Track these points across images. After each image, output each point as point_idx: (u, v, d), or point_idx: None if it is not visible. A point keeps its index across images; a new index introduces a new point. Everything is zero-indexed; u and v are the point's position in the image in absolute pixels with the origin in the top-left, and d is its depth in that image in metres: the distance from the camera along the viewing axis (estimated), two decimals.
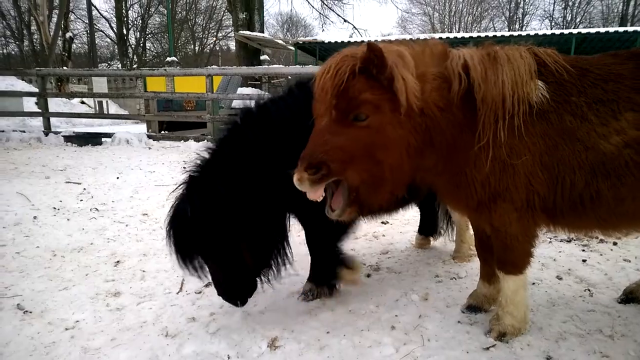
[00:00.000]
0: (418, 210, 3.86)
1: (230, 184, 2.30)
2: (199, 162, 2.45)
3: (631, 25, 29.17)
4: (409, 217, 4.50)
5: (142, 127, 13.32)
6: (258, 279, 2.58)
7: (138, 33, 39.50)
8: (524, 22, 41.83)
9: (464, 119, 2.04)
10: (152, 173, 7.10)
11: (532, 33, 18.27)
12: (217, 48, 45.53)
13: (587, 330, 2.43)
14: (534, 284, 3.02)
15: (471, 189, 2.13)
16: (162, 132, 11.78)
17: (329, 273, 2.81)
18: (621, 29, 17.42)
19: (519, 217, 2.14)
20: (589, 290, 2.90)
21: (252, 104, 2.58)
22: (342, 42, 20.33)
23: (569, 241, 3.87)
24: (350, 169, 1.92)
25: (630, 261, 3.40)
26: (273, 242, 2.55)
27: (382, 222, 4.49)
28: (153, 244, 3.91)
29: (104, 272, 3.31)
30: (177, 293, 2.97)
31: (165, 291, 3.00)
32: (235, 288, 2.49)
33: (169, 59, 17.13)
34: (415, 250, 3.82)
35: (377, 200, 2.10)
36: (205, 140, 10.19)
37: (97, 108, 21.65)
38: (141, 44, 40.05)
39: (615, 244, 3.75)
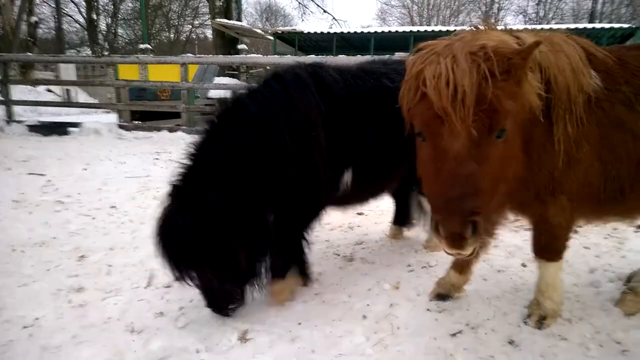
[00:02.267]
0: (393, 201, 3.88)
1: (218, 189, 2.22)
2: (181, 169, 2.36)
3: (599, 22, 29.91)
4: (384, 208, 4.51)
5: (113, 117, 12.95)
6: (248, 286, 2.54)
7: (109, 19, 38.32)
8: (499, 17, 42.33)
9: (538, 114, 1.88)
10: (123, 164, 6.92)
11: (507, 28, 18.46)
12: (194, 36, 44.63)
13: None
14: (499, 271, 3.09)
15: (533, 185, 2.03)
16: (135, 122, 11.47)
17: (301, 265, 2.79)
18: (590, 26, 17.81)
19: (571, 208, 2.12)
20: None
21: (228, 100, 2.48)
22: (322, 32, 20.22)
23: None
24: (495, 202, 1.66)
25: (589, 248, 3.52)
26: (263, 243, 2.50)
27: (358, 213, 4.49)
28: (121, 237, 3.81)
29: (66, 267, 3.20)
30: (145, 287, 2.90)
31: (133, 286, 2.93)
32: (229, 297, 2.45)
33: (142, 46, 16.73)
34: (389, 240, 3.84)
35: (499, 219, 2.10)
36: (180, 131, 10.00)
37: (65, 96, 20.98)
38: (112, 30, 38.88)
39: (575, 232, 3.85)
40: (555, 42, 1.97)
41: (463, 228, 1.49)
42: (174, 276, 2.31)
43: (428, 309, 2.59)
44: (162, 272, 2.75)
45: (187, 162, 2.36)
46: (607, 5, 36.61)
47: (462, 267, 2.62)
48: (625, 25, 17.09)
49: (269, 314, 2.56)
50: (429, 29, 20.34)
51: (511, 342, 2.26)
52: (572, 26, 17.78)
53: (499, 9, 42.07)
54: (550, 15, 40.01)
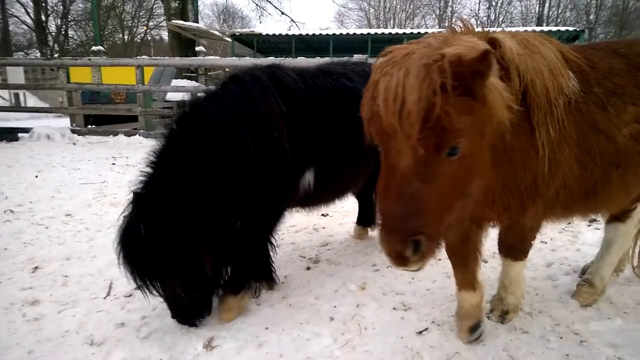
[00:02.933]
0: (356, 201, 3.91)
1: (182, 196, 2.16)
2: (142, 178, 2.28)
3: (546, 25, 31.49)
4: (349, 209, 4.54)
5: (65, 121, 12.42)
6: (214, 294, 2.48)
7: (59, 20, 36.64)
8: (453, 20, 43.59)
9: (516, 119, 1.74)
10: (77, 170, 6.63)
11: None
12: (149, 38, 43.43)
13: None
14: None
15: (518, 192, 1.94)
16: (89, 126, 11.02)
17: (267, 267, 2.76)
18: (538, 29, 18.71)
19: (544, 210, 2.07)
20: None
21: (186, 104, 2.42)
22: (281, 34, 20.16)
23: (493, 226, 4.09)
24: (446, 220, 1.56)
25: (546, 243, 3.67)
26: (229, 250, 2.45)
27: (322, 215, 4.50)
28: (77, 246, 3.64)
29: (20, 280, 3.03)
30: (105, 298, 2.79)
31: (91, 296, 2.81)
32: (196, 307, 2.38)
33: (94, 48, 16.06)
34: (354, 240, 3.86)
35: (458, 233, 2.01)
36: (137, 135, 9.70)
37: (13, 100, 19.90)
38: (63, 32, 37.21)
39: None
40: (532, 44, 1.90)
41: (404, 247, 1.43)
42: (138, 288, 2.23)
43: (394, 308, 2.62)
44: (123, 281, 2.65)
45: (148, 169, 2.30)
46: (553, 9, 38.65)
47: (470, 282, 2.31)
48: (571, 28, 18.04)
49: (235, 320, 2.51)
50: (386, 31, 20.72)
51: (474, 331, 2.31)
52: (522, 29, 18.59)
53: (452, 12, 43.44)
54: (501, 19, 41.66)
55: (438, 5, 43.96)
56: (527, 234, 2.23)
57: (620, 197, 2.27)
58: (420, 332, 2.36)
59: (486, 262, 3.24)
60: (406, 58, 1.50)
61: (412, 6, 44.85)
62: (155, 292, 2.27)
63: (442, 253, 3.34)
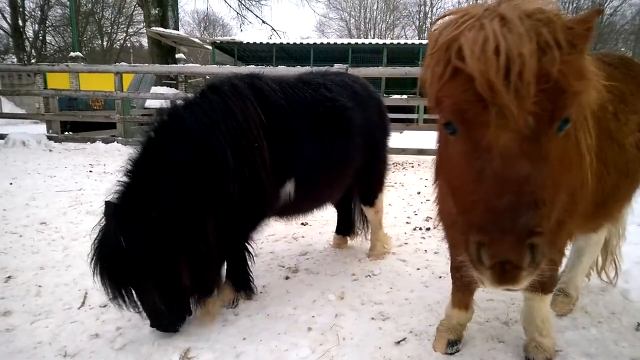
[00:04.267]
0: (336, 211, 3.93)
1: (160, 208, 2.13)
2: (120, 187, 2.25)
3: None
4: (328, 218, 4.56)
5: (42, 128, 12.13)
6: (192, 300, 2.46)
7: (37, 25, 35.93)
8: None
9: None
10: (53, 178, 6.48)
11: None
12: (128, 44, 42.95)
13: (486, 318, 2.62)
14: (441, 277, 3.21)
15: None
16: (65, 133, 10.80)
17: (245, 277, 2.74)
18: None
19: (572, 228, 1.88)
20: None
21: (164, 113, 2.40)
22: (262, 43, 20.23)
23: None
24: (554, 218, 1.28)
25: None
26: (208, 259, 2.42)
27: (302, 224, 4.50)
28: (52, 255, 3.55)
29: None
30: (79, 308, 2.72)
31: (65, 307, 2.73)
32: (174, 315, 2.35)
33: (72, 54, 15.82)
34: (334, 250, 3.87)
35: (562, 242, 1.78)
36: (115, 142, 9.54)
37: None
38: (40, 37, 36.47)
39: None
40: None
41: (521, 253, 1.09)
42: (115, 300, 2.20)
43: (372, 318, 2.63)
44: (98, 291, 2.60)
45: (125, 179, 2.26)
46: None
47: (467, 302, 2.27)
48: None
49: (211, 330, 2.48)
50: (367, 41, 21.00)
51: (453, 345, 2.32)
52: None
53: (432, 24, 44.30)
54: None
55: (418, 16, 44.83)
56: (557, 258, 1.94)
57: (623, 207, 2.29)
58: (398, 342, 2.37)
59: None
60: (490, 11, 1.21)
61: (392, 17, 45.62)
62: (134, 304, 2.23)
63: (415, 260, 3.43)
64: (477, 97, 1.14)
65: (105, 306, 2.71)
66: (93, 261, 2.16)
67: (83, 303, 2.77)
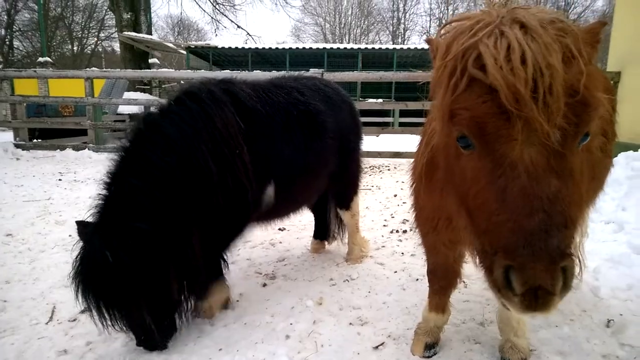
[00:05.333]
0: (313, 215, 3.90)
1: (146, 220, 2.05)
2: (100, 201, 2.16)
3: None
4: (306, 223, 4.53)
5: (9, 135, 11.72)
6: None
7: (3, 30, 34.82)
8: (406, 37, 45.20)
9: None
10: (20, 187, 6.25)
11: (412, 47, 19.82)
12: (100, 49, 42.07)
13: (462, 319, 2.63)
14: (418, 280, 3.21)
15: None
16: (34, 140, 10.46)
17: (204, 286, 2.67)
18: None
19: None
20: (464, 282, 3.15)
21: (140, 122, 2.33)
22: (237, 47, 20.11)
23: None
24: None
25: None
26: (194, 270, 2.36)
27: (279, 229, 4.46)
28: (18, 268, 3.41)
29: None
30: (47, 323, 2.60)
31: (32, 322, 2.62)
32: (164, 331, 2.27)
33: (41, 59, 15.42)
34: (312, 255, 3.84)
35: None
36: (87, 149, 9.29)
37: None
38: (7, 42, 35.37)
39: None
40: None
41: (554, 279, 1.02)
42: (104, 321, 2.10)
43: (351, 323, 2.61)
44: (67, 305, 2.50)
45: (105, 192, 2.18)
46: None
47: (443, 305, 2.29)
48: None
49: (186, 342, 2.41)
50: (342, 46, 21.14)
51: (430, 349, 2.32)
52: None
53: (405, 30, 44.96)
54: None
55: (391, 22, 45.43)
56: None
57: (589, 208, 2.33)
58: (377, 347, 2.35)
59: (466, 286, 3.10)
60: (507, 18, 1.15)
61: (366, 22, 46.08)
62: (120, 325, 2.14)
63: (392, 263, 3.43)
64: (500, 109, 1.08)
65: (74, 320, 2.61)
66: (75, 281, 2.06)
67: (51, 318, 2.66)
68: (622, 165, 4.86)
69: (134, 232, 2.01)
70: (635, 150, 5.15)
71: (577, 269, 1.07)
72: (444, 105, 1.21)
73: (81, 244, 2.09)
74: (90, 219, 2.15)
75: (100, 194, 2.19)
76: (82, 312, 2.57)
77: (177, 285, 2.23)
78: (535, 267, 1.01)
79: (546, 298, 1.03)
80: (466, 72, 1.13)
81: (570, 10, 35.62)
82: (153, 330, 2.18)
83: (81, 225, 2.07)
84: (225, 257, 2.71)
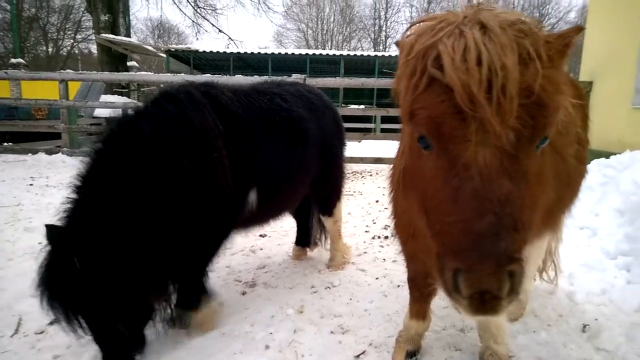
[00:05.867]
0: (294, 221, 3.86)
1: (117, 224, 1.96)
2: (68, 204, 2.05)
3: None
4: (287, 229, 4.48)
5: None
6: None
7: None
8: (387, 44, 45.73)
9: None
10: None
11: (393, 54, 20.04)
12: (76, 51, 41.23)
13: (443, 326, 2.62)
14: (399, 286, 3.20)
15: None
16: (5, 144, 10.13)
17: (196, 297, 2.60)
18: None
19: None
20: None
21: (114, 123, 2.22)
22: (218, 52, 19.97)
23: None
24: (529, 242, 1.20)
25: None
26: (168, 279, 2.28)
27: (260, 235, 4.40)
28: None
29: None
30: (12, 336, 2.48)
31: None
32: (133, 344, 2.16)
33: (13, 60, 15.01)
34: (293, 262, 3.79)
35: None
36: (60, 153, 9.04)
37: None
38: None
39: None
40: None
41: (500, 282, 1.00)
42: (73, 329, 1.99)
43: (332, 332, 2.56)
44: (34, 316, 2.39)
45: (75, 195, 2.07)
46: None
47: (424, 312, 2.27)
48: None
49: (161, 353, 2.33)
50: (324, 52, 21.21)
51: (412, 357, 2.31)
52: None
53: (386, 37, 45.47)
54: None
55: (373, 29, 45.90)
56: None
57: (565, 215, 2.37)
58: (358, 356, 2.32)
59: None
60: (470, 19, 1.15)
61: (348, 29, 46.44)
62: (89, 334, 2.03)
63: (374, 269, 3.41)
64: (456, 109, 1.07)
65: (41, 333, 2.49)
66: (40, 288, 1.94)
67: (17, 330, 2.53)
68: (595, 172, 4.96)
69: (104, 237, 1.92)
70: (607, 157, 5.28)
71: (526, 275, 1.07)
72: (404, 105, 1.22)
73: (48, 248, 1.98)
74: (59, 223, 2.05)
75: (69, 197, 2.08)
76: (50, 323, 2.46)
77: (151, 293, 2.15)
78: (482, 270, 1.00)
79: (493, 302, 1.03)
80: (426, 71, 1.13)
81: (544, 21, 36.62)
82: (121, 342, 2.08)
83: (50, 229, 1.98)
84: (208, 266, 2.63)
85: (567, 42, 1.17)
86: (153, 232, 2.10)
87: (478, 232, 1.03)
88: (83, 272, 1.86)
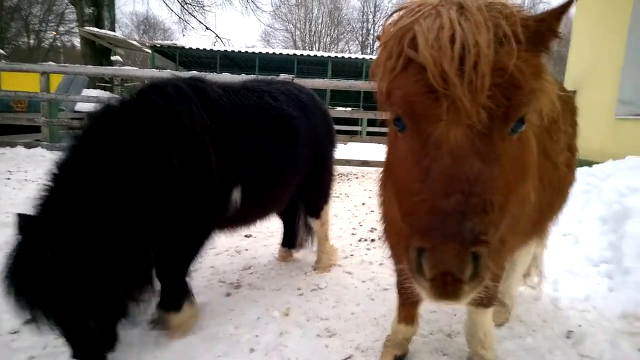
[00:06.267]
0: (281, 222, 3.81)
1: (94, 217, 1.88)
2: (44, 193, 1.96)
3: None
4: (273, 230, 4.43)
5: None
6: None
7: None
8: (375, 47, 46.01)
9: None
10: None
11: None
12: (59, 44, 40.40)
13: (430, 330, 2.61)
14: (385, 289, 3.18)
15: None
16: None
17: (178, 298, 2.52)
18: None
19: (514, 246, 1.91)
20: None
21: (98, 113, 2.14)
22: (205, 49, 19.79)
23: None
24: (502, 227, 1.18)
25: None
26: (147, 275, 2.22)
27: (246, 236, 4.33)
28: None
29: None
30: None
31: None
32: (109, 337, 2.09)
33: None
34: (279, 263, 3.74)
35: (504, 259, 1.68)
36: (40, 147, 8.81)
37: None
38: None
39: None
40: None
41: (462, 262, 0.98)
42: (38, 324, 1.90)
43: (318, 335, 2.53)
44: (7, 316, 2.28)
45: (51, 184, 1.98)
46: None
47: (412, 316, 2.24)
48: None
49: (142, 356, 2.26)
50: (312, 53, 21.19)
51: None
52: None
53: (374, 40, 45.69)
54: None
55: (361, 32, 46.13)
56: (500, 271, 1.89)
57: (553, 222, 2.38)
58: None
59: None
60: (446, 1, 1.14)
61: (336, 32, 46.56)
62: (58, 329, 1.94)
63: (360, 272, 3.39)
64: (429, 88, 1.06)
65: (16, 332, 2.39)
66: (7, 280, 1.85)
67: None
68: (578, 180, 5.03)
69: (82, 228, 1.84)
70: (590, 166, 5.37)
71: (488, 260, 1.04)
72: (381, 86, 1.21)
73: (19, 238, 1.87)
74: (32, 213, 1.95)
75: (45, 186, 1.99)
76: (25, 323, 2.36)
77: (126, 290, 2.08)
78: (445, 250, 0.98)
79: (455, 285, 1.00)
80: (402, 53, 1.13)
81: None
82: (91, 338, 2.00)
83: (21, 218, 1.88)
84: (190, 266, 2.56)
85: (550, 25, 1.15)
86: (132, 228, 2.04)
87: (444, 210, 1.01)
88: (55, 264, 1.78)
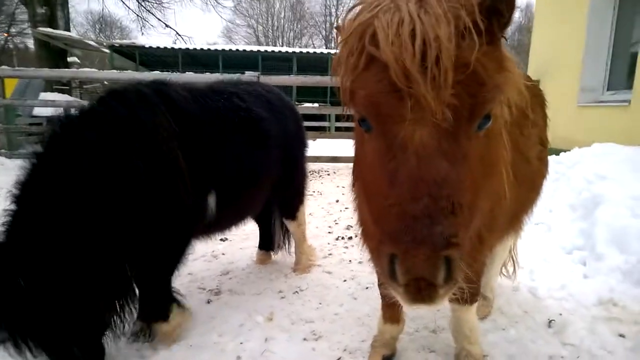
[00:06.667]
0: (257, 225, 3.75)
1: (63, 236, 1.81)
2: (7, 217, 1.86)
3: None
4: (249, 232, 4.35)
5: None
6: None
7: None
8: (337, 41, 46.17)
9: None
10: None
11: None
12: (11, 46, 38.43)
13: (415, 328, 2.62)
14: (367, 288, 3.18)
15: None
16: None
17: (163, 307, 2.44)
18: None
19: (492, 242, 1.89)
20: None
21: (57, 125, 2.02)
22: (166, 47, 19.28)
23: None
24: (472, 228, 1.16)
25: None
26: (124, 289, 2.14)
27: (221, 240, 4.24)
28: None
29: None
30: None
31: None
32: (96, 352, 2.03)
33: None
34: (257, 266, 3.68)
35: (484, 256, 1.67)
36: None
37: None
38: None
39: None
40: None
41: (434, 268, 0.97)
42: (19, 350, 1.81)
43: (305, 338, 2.49)
44: None
45: (14, 207, 1.87)
46: None
47: (397, 315, 2.22)
48: None
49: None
50: (276, 49, 20.97)
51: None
52: None
53: (336, 33, 45.91)
54: None
55: (324, 26, 46.08)
56: (480, 268, 1.92)
57: (528, 216, 2.42)
58: None
59: None
60: None
61: (299, 26, 46.34)
62: (40, 349, 1.84)
63: (340, 271, 3.37)
64: (393, 87, 1.02)
65: None
66: None
67: None
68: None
69: (50, 251, 1.77)
70: (557, 154, 5.53)
71: (461, 260, 1.03)
72: (344, 83, 1.16)
73: None
74: None
75: (9, 210, 1.88)
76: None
77: (106, 305, 2.01)
78: (417, 255, 0.96)
79: (430, 290, 0.99)
80: (364, 50, 1.09)
81: None
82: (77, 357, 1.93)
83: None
84: (172, 275, 2.48)
85: (510, 13, 1.09)
86: (105, 243, 1.95)
87: (413, 215, 0.99)
88: (29, 292, 1.71)
